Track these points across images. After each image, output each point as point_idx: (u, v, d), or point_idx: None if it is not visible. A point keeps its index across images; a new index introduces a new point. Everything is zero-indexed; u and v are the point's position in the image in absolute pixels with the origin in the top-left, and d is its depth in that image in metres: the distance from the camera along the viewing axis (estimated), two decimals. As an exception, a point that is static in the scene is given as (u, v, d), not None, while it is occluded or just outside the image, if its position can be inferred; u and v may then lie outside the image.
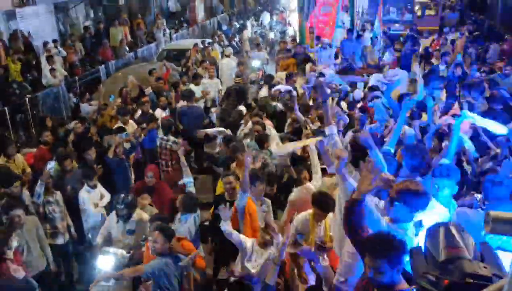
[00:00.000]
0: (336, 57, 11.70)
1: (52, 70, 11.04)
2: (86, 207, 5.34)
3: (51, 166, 5.24)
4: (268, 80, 9.15)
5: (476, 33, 16.22)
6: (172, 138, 6.75)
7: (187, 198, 4.76)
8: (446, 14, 18.83)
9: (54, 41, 12.85)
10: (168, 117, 8.07)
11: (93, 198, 5.42)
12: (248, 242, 4.21)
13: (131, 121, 7.37)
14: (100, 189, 5.58)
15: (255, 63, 11.59)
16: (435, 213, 3.28)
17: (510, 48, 13.63)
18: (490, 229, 1.16)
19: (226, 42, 16.24)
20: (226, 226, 4.16)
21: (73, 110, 10.76)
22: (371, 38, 12.39)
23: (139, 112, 7.87)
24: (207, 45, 13.35)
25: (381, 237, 2.52)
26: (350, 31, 11.80)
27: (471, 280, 1.93)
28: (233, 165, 5.54)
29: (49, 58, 11.26)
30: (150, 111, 7.85)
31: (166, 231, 3.95)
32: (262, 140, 5.93)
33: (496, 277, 1.95)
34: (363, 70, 11.09)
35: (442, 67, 9.96)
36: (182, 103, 8.24)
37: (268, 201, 4.99)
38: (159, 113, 7.93)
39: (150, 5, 19.16)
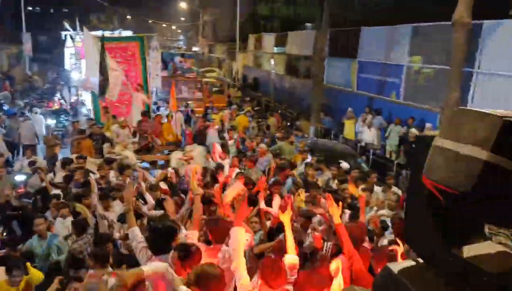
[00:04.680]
0: (134, 135, 11.66)
1: None
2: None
3: None
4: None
5: (257, 108, 18.80)
6: None
7: None
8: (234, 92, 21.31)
9: None
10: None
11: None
12: None
13: None
14: None
15: None
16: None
17: (278, 120, 16.06)
18: None
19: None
20: None
21: None
22: (166, 116, 12.86)
23: None
24: None
25: None
26: (146, 112, 12.06)
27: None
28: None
29: None
30: None
31: None
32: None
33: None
34: (161, 147, 11.43)
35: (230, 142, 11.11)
36: None
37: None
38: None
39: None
